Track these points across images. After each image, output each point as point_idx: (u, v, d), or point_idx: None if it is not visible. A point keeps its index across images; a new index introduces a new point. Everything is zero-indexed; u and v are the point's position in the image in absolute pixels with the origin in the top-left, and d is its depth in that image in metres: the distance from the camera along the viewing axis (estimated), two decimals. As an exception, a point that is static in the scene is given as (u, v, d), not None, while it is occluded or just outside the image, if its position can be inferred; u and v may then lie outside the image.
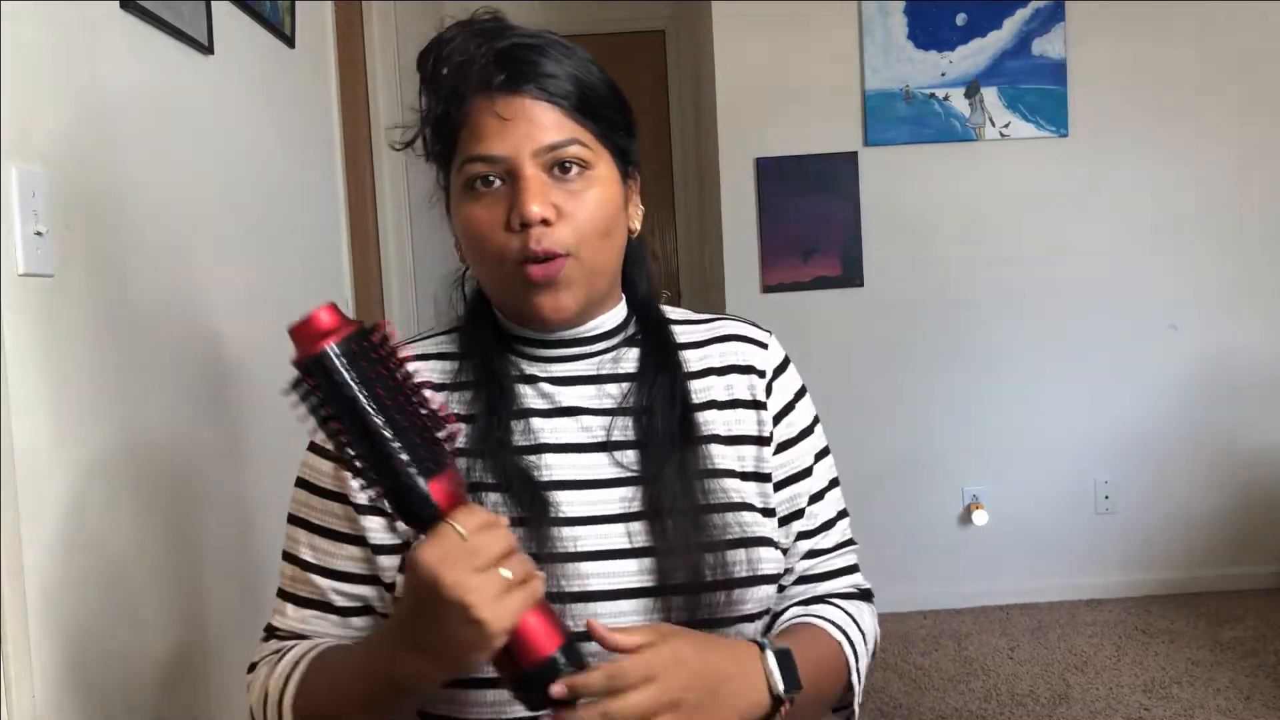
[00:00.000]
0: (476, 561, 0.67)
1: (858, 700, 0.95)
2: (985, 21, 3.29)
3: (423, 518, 0.69)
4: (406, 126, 0.93)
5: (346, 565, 0.90)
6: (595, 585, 0.86)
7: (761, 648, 0.83)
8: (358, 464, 0.68)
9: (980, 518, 3.37)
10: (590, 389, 0.94)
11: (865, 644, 0.96)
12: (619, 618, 0.86)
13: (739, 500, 0.92)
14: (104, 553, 1.19)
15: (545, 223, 0.84)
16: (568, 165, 0.86)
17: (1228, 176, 3.34)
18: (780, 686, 0.81)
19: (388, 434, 0.67)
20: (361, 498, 0.89)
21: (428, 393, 0.71)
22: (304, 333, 0.68)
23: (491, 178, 0.85)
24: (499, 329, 0.95)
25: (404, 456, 0.68)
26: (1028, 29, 3.29)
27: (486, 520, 0.69)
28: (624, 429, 0.92)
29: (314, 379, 0.67)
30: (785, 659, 0.83)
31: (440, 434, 0.71)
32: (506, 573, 0.68)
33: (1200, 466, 3.38)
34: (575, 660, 0.72)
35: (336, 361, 0.67)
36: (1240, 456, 3.38)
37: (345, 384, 0.67)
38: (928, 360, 3.37)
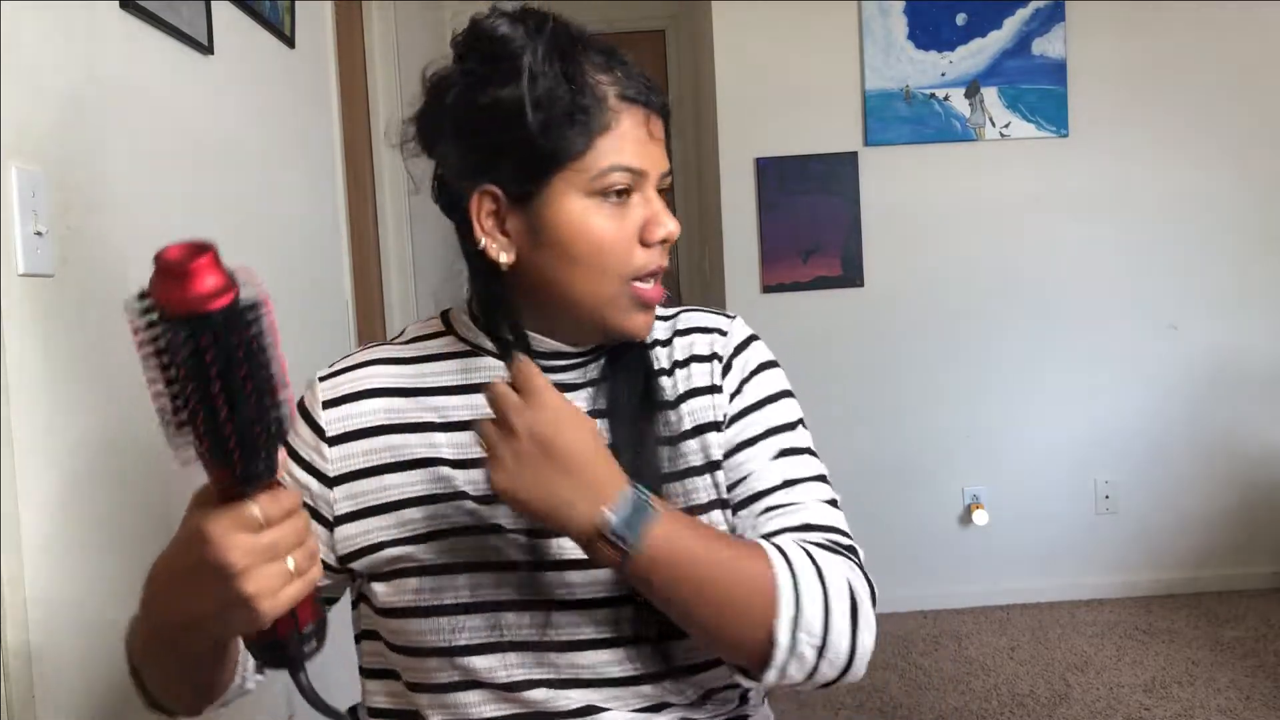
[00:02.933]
0: (269, 553, 0.66)
1: (779, 654, 0.79)
2: (985, 21, 3.29)
3: (236, 483, 0.66)
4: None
5: None
6: (585, 594, 0.88)
7: (636, 489, 0.79)
8: (189, 418, 0.62)
9: (980, 518, 3.36)
10: (576, 395, 0.94)
11: (821, 585, 0.80)
12: (602, 627, 0.87)
13: (706, 500, 0.91)
14: (104, 551, 1.19)
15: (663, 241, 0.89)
16: (664, 190, 0.91)
17: (1228, 176, 3.34)
18: (610, 524, 0.76)
19: (245, 407, 0.62)
20: (330, 470, 0.92)
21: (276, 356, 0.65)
22: (186, 277, 0.60)
23: (630, 190, 0.87)
24: (498, 337, 0.93)
25: (254, 430, 0.63)
26: (1028, 29, 3.29)
27: (288, 507, 0.67)
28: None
29: (185, 332, 0.60)
30: (641, 509, 0.77)
31: (280, 403, 0.65)
32: (291, 563, 0.67)
33: (1200, 466, 3.38)
34: (320, 637, 0.73)
35: (225, 326, 0.60)
36: (1240, 456, 3.38)
37: (224, 350, 0.60)
38: (928, 360, 3.36)
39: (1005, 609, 3.34)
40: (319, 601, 0.74)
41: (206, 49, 1.56)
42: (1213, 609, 3.23)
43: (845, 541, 0.88)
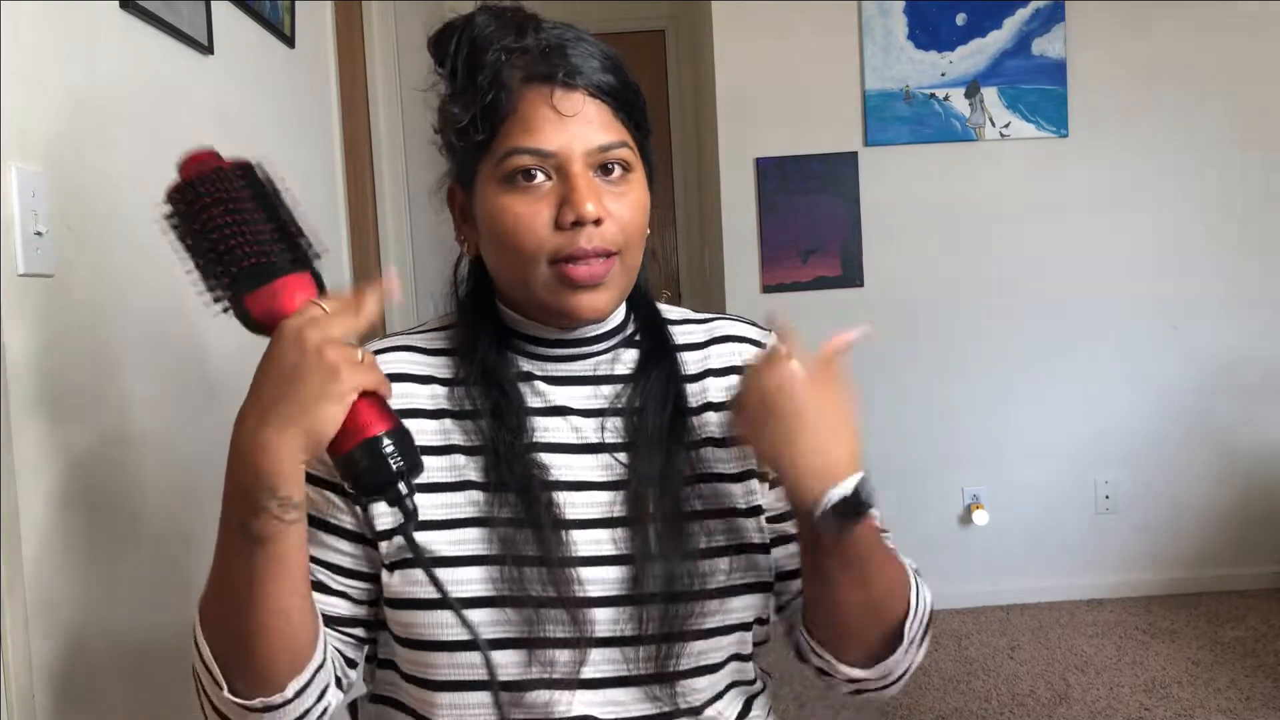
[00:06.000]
0: (337, 332, 0.74)
1: (911, 635, 0.90)
2: (985, 21, 3.29)
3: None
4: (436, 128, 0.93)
5: (337, 558, 0.89)
6: (592, 591, 0.86)
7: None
8: (246, 254, 0.77)
9: (980, 518, 3.37)
10: (586, 389, 0.94)
11: (927, 596, 0.95)
12: (601, 625, 0.86)
13: (729, 506, 0.92)
14: (103, 552, 1.19)
15: (597, 222, 0.84)
16: (612, 167, 0.86)
17: (1228, 176, 3.34)
18: (867, 486, 0.88)
19: (289, 228, 0.79)
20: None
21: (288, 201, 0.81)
22: (202, 159, 0.84)
23: (535, 172, 0.84)
24: (497, 323, 0.94)
25: (302, 242, 0.79)
26: (1028, 29, 3.29)
27: (346, 304, 0.76)
28: (615, 430, 0.92)
29: (223, 184, 0.80)
30: (873, 490, 0.86)
31: (302, 224, 0.81)
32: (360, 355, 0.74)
33: (1200, 466, 3.38)
34: (403, 448, 0.77)
35: (255, 171, 0.82)
36: (1240, 456, 3.38)
37: (257, 186, 0.81)
38: (928, 360, 3.37)
39: (1005, 609, 3.34)
40: (392, 414, 0.78)
41: (206, 49, 1.56)
42: (1213, 609, 3.23)
43: (910, 563, 0.98)
